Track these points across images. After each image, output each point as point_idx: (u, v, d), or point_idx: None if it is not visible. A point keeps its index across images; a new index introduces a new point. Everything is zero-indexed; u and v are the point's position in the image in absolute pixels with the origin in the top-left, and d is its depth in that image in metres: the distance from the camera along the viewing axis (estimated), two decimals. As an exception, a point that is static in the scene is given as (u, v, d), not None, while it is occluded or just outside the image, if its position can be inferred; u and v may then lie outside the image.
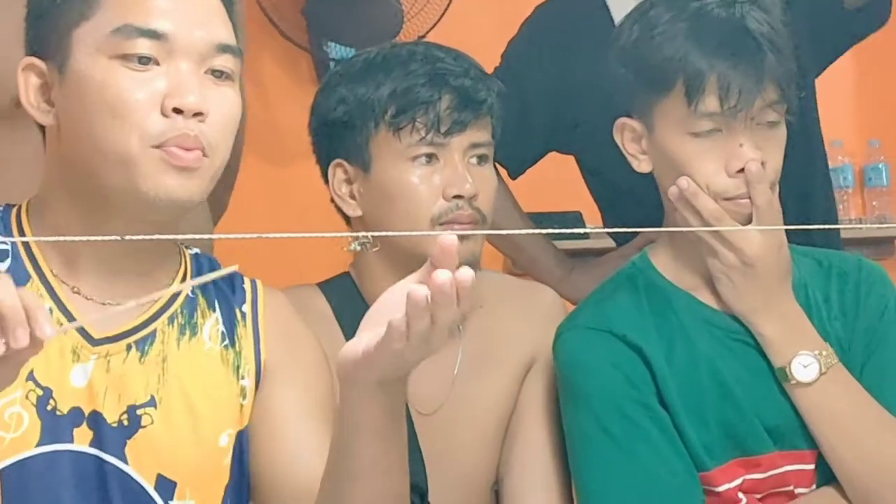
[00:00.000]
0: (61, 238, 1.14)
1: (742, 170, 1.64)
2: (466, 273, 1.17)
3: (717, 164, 1.65)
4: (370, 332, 1.26)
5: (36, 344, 1.10)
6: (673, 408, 1.68)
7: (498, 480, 1.83)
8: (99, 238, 1.01)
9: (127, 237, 0.99)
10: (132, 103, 1.35)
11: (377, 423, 1.31)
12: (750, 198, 1.65)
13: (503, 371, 1.81)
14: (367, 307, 1.80)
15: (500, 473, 1.83)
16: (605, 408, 1.68)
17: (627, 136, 1.74)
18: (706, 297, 1.73)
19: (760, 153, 1.65)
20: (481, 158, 1.78)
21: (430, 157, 1.74)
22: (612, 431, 1.67)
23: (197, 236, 1.00)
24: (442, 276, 1.16)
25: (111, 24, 1.38)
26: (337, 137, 1.78)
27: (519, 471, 1.80)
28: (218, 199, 1.95)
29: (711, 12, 1.67)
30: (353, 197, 1.79)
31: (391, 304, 1.25)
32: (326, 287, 1.84)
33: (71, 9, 1.40)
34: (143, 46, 1.37)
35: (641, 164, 1.74)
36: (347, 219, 1.83)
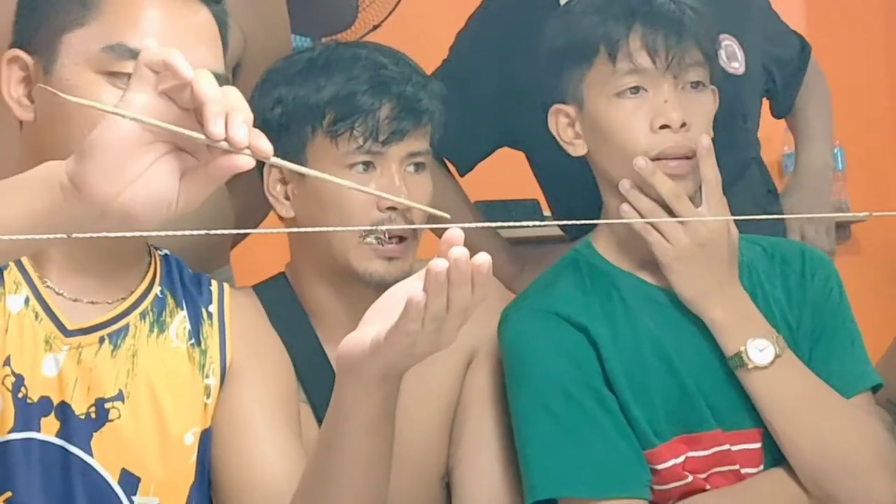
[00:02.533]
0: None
1: (665, 126, 1.67)
2: (484, 258, 1.17)
3: (644, 123, 1.68)
4: (376, 325, 1.25)
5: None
6: (618, 386, 1.69)
7: (448, 472, 1.84)
8: (47, 236, 0.98)
9: (74, 234, 0.96)
10: None
11: (370, 417, 1.31)
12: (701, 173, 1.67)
13: (445, 362, 1.77)
14: (300, 309, 1.76)
15: (449, 465, 1.83)
16: (549, 389, 1.69)
17: (562, 123, 1.77)
18: (648, 277, 1.75)
19: (683, 112, 1.67)
20: (418, 166, 1.76)
21: (367, 165, 1.72)
22: (557, 412, 1.68)
23: (154, 233, 0.98)
24: (458, 251, 1.16)
25: (104, 40, 1.36)
26: (272, 138, 1.74)
27: (467, 461, 1.81)
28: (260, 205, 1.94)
29: None
30: (287, 198, 1.76)
31: (393, 301, 1.24)
32: (261, 289, 1.81)
33: (66, 11, 1.38)
34: (133, 67, 1.34)
35: (577, 149, 1.76)
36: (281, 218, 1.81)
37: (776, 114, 2.45)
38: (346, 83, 1.71)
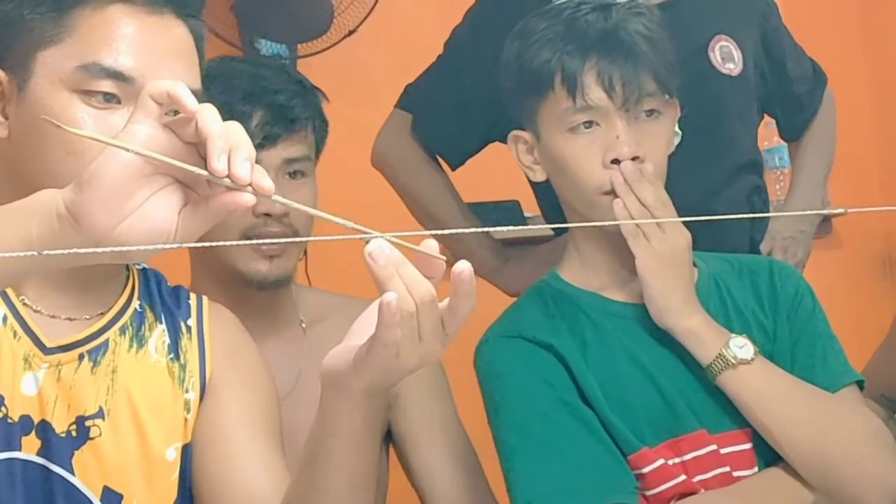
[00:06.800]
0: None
1: (616, 161, 1.66)
2: (464, 265, 1.11)
3: (597, 158, 1.68)
4: (360, 338, 1.20)
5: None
6: (594, 399, 1.69)
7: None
8: (17, 255, 0.97)
9: (45, 252, 0.95)
10: (87, 141, 1.30)
11: (355, 432, 1.28)
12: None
13: None
14: None
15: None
16: (523, 410, 1.69)
17: (521, 149, 1.78)
18: (612, 295, 1.76)
19: (637, 146, 1.67)
20: (295, 174, 1.79)
21: None
22: (533, 432, 1.67)
23: (126, 248, 0.96)
24: (463, 265, 1.11)
25: (78, 59, 1.35)
26: None
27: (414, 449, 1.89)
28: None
29: (585, 16, 1.72)
30: None
31: (373, 317, 1.19)
32: None
33: (41, 28, 1.37)
34: (107, 86, 1.34)
35: (536, 174, 1.78)
36: None
37: (784, 137, 2.45)
38: (223, 94, 1.73)
